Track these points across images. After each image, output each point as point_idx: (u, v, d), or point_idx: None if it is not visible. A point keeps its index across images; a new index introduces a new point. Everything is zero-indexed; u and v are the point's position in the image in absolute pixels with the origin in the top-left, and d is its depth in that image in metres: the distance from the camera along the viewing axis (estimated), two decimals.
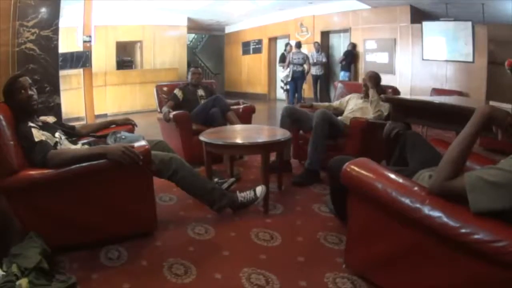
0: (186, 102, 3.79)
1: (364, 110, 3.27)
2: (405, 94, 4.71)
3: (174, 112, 3.50)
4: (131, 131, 2.64)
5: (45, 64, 3.68)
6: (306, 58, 8.21)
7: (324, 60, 8.56)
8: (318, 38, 9.02)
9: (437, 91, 6.46)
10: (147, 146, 1.95)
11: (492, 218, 1.14)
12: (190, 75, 4.03)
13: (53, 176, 1.78)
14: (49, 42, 3.69)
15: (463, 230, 1.13)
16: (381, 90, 3.22)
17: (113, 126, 2.64)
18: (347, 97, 3.52)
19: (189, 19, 10.15)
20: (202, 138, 2.57)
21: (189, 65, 8.97)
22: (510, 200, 1.09)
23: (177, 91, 3.86)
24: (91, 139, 2.44)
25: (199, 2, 8.44)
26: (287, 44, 8.89)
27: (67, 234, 1.87)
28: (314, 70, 8.51)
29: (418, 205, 1.26)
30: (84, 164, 1.82)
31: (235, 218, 2.36)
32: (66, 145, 2.09)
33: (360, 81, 8.05)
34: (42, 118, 2.18)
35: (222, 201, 2.26)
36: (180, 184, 2.22)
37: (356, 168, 1.53)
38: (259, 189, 2.34)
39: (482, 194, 1.12)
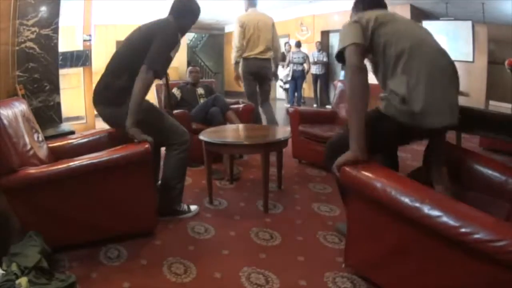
0: (184, 102, 3.79)
1: None
2: None
3: (174, 111, 3.49)
4: None
5: (45, 63, 3.68)
6: (306, 57, 8.21)
7: (325, 59, 8.54)
8: (318, 37, 9.01)
9: None
10: (147, 145, 1.95)
11: (492, 217, 1.14)
12: (188, 74, 4.06)
13: (53, 175, 1.78)
14: (49, 41, 3.69)
15: (463, 230, 1.13)
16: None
17: None
18: None
19: None
20: (201, 137, 2.57)
21: (189, 64, 8.95)
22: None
23: (175, 90, 3.86)
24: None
25: (199, 1, 8.42)
26: (285, 44, 8.89)
27: (67, 233, 1.87)
28: (314, 69, 8.50)
29: (417, 204, 1.26)
30: (84, 162, 1.83)
31: (235, 217, 2.36)
32: None
33: None
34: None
35: (175, 204, 2.33)
36: (173, 159, 2.24)
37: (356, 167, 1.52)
38: (193, 207, 2.43)
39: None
